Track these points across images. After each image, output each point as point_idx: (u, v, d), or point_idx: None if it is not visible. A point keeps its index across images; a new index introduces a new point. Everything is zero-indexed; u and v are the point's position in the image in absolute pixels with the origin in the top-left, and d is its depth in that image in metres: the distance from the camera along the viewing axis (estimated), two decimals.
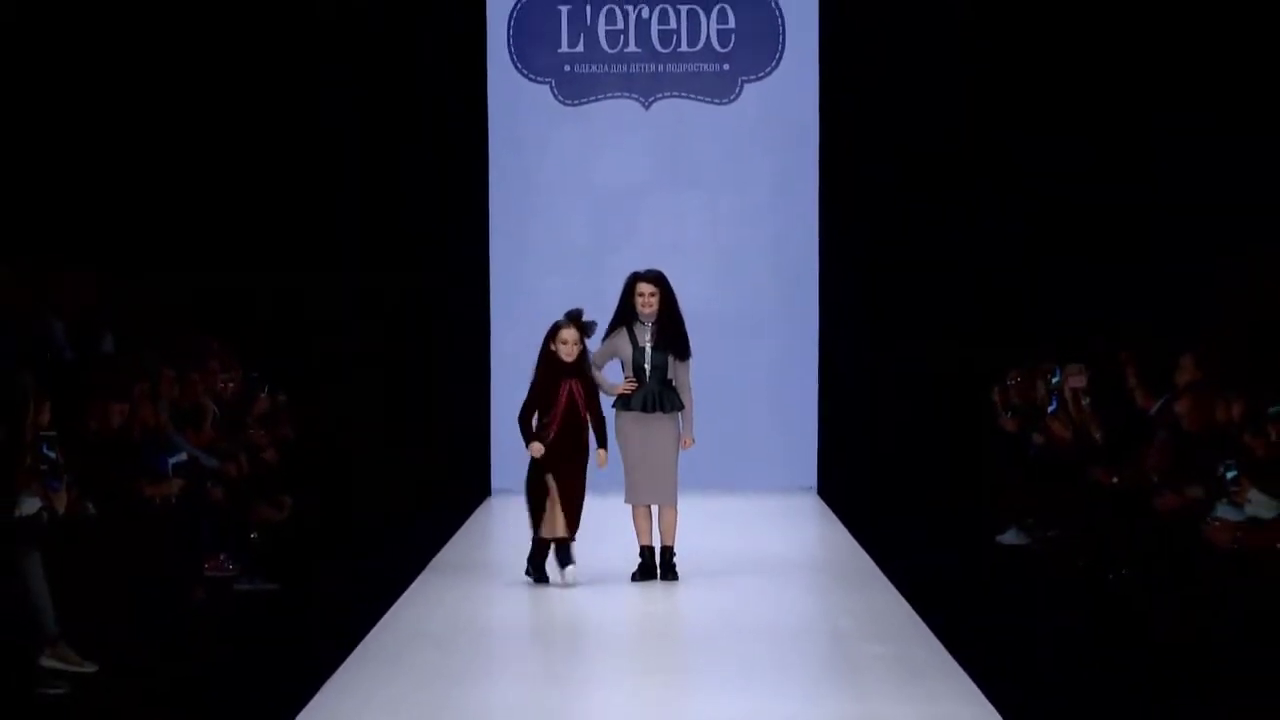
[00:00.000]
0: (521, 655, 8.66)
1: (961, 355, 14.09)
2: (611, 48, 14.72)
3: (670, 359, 10.03)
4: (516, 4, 14.70)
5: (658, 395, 10.00)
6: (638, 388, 9.95)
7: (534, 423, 9.88)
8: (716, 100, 14.74)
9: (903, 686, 7.68)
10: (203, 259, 14.12)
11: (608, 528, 10.22)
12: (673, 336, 10.05)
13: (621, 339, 10.05)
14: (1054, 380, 11.74)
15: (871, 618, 9.24)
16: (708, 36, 14.70)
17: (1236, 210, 13.19)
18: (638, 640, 9.10)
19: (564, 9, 14.71)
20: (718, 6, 14.67)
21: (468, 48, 14.60)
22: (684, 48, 14.71)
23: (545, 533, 9.86)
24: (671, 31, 14.69)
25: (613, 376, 10.16)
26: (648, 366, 10.01)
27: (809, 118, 14.62)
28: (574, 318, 9.89)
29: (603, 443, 9.90)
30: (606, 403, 10.07)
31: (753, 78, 14.72)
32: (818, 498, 14.33)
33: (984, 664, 7.90)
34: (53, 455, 8.77)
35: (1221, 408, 9.60)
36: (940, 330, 14.39)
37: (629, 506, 10.06)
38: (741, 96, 14.73)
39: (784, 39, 14.68)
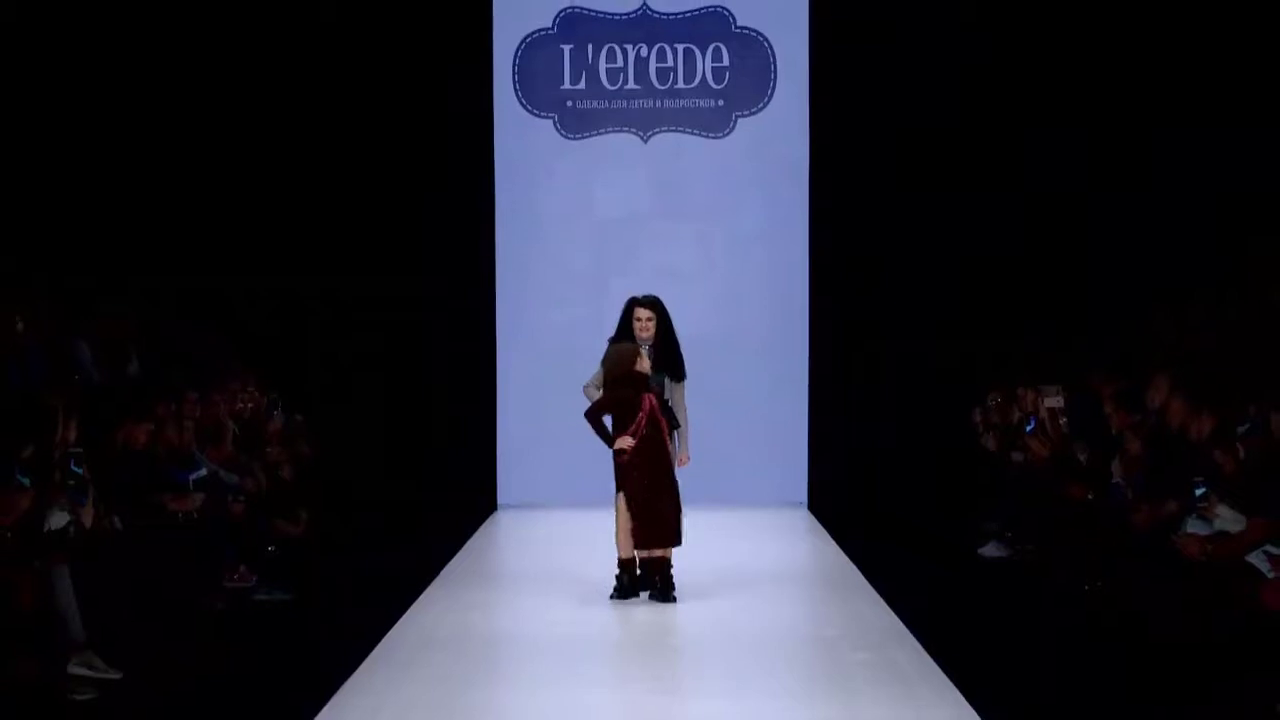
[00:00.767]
0: (526, 661, 8.66)
1: (944, 377, 14.11)
2: (612, 85, 14.76)
3: (666, 380, 10.05)
4: (522, 43, 14.74)
5: None
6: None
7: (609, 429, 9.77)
8: (711, 134, 14.77)
9: (888, 691, 7.70)
10: (225, 285, 14.13)
11: (609, 540, 10.18)
12: (669, 359, 10.05)
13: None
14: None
15: (858, 626, 9.25)
16: (703, 74, 14.74)
17: (1209, 236, 13.21)
18: (636, 648, 9.10)
19: (566, 48, 14.75)
20: (713, 46, 14.71)
21: (476, 84, 14.63)
22: (680, 85, 14.74)
23: (622, 551, 9.81)
24: (669, 69, 14.73)
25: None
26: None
27: (799, 151, 14.65)
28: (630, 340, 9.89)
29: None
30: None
31: (746, 113, 14.76)
32: (808, 513, 14.31)
33: (965, 670, 7.92)
34: (80, 472, 8.79)
35: (1193, 426, 9.63)
36: (924, 353, 14.41)
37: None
38: (735, 131, 14.77)
39: (775, 77, 14.72)
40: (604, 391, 9.82)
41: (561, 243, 14.76)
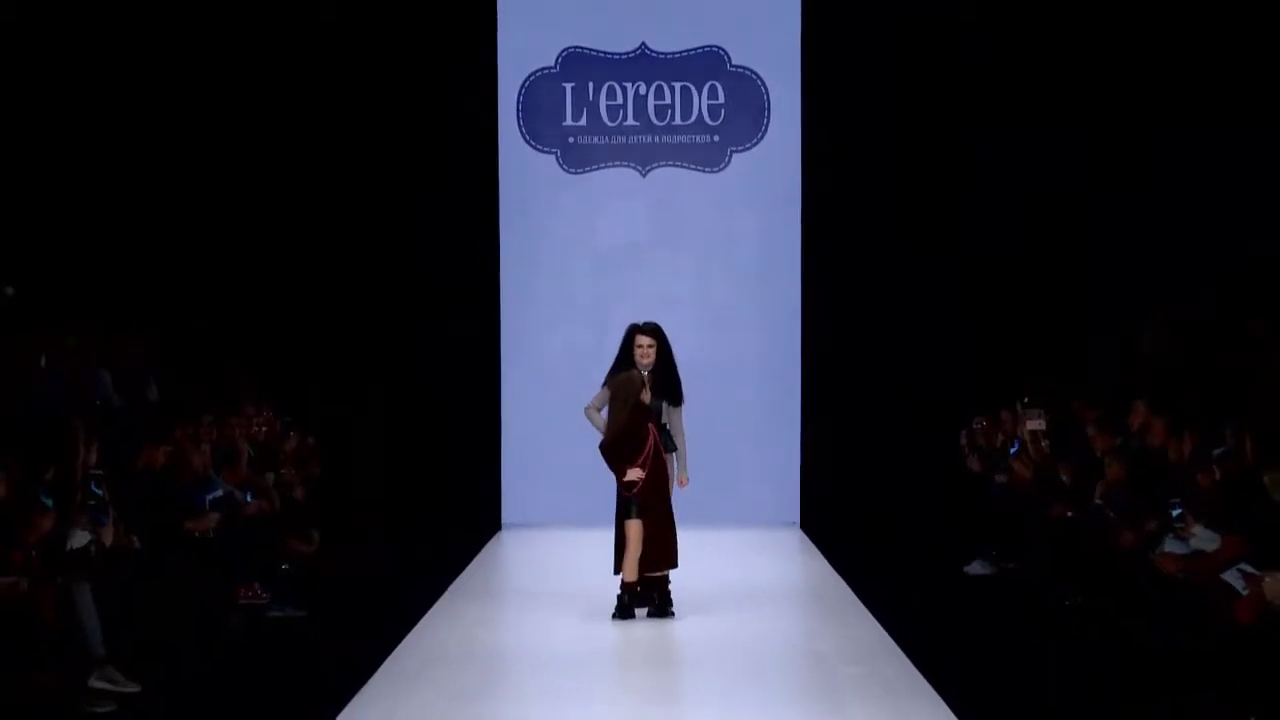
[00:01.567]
0: (529, 675, 8.65)
1: (931, 402, 14.12)
2: (611, 121, 14.79)
3: (665, 405, 10.05)
4: (525, 81, 14.77)
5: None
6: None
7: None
8: (707, 169, 14.80)
9: (878, 704, 7.69)
10: (238, 312, 14.16)
11: (609, 558, 10.17)
12: (668, 384, 10.03)
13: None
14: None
15: (849, 641, 9.24)
16: (699, 111, 14.77)
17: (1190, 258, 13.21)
18: (635, 662, 9.08)
19: (568, 86, 14.79)
20: (708, 84, 14.75)
21: (482, 121, 14.66)
22: (678, 121, 14.77)
23: (629, 575, 9.78)
24: (666, 106, 14.76)
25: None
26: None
27: (792, 185, 14.67)
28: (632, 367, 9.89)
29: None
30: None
31: (740, 148, 14.78)
32: (800, 532, 14.30)
33: (952, 683, 7.91)
34: (100, 493, 8.79)
35: (1171, 449, 9.64)
36: (912, 379, 14.43)
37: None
38: (730, 165, 14.79)
39: (769, 113, 14.74)
40: (611, 421, 9.81)
41: (563, 272, 14.77)
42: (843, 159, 14.52)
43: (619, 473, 9.79)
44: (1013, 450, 11.87)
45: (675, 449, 10.04)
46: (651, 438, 9.75)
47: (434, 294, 14.61)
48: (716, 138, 14.78)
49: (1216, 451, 9.07)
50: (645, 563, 9.78)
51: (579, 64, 14.75)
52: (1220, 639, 7.63)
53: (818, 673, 8.59)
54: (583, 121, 14.77)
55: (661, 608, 9.84)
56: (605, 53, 14.76)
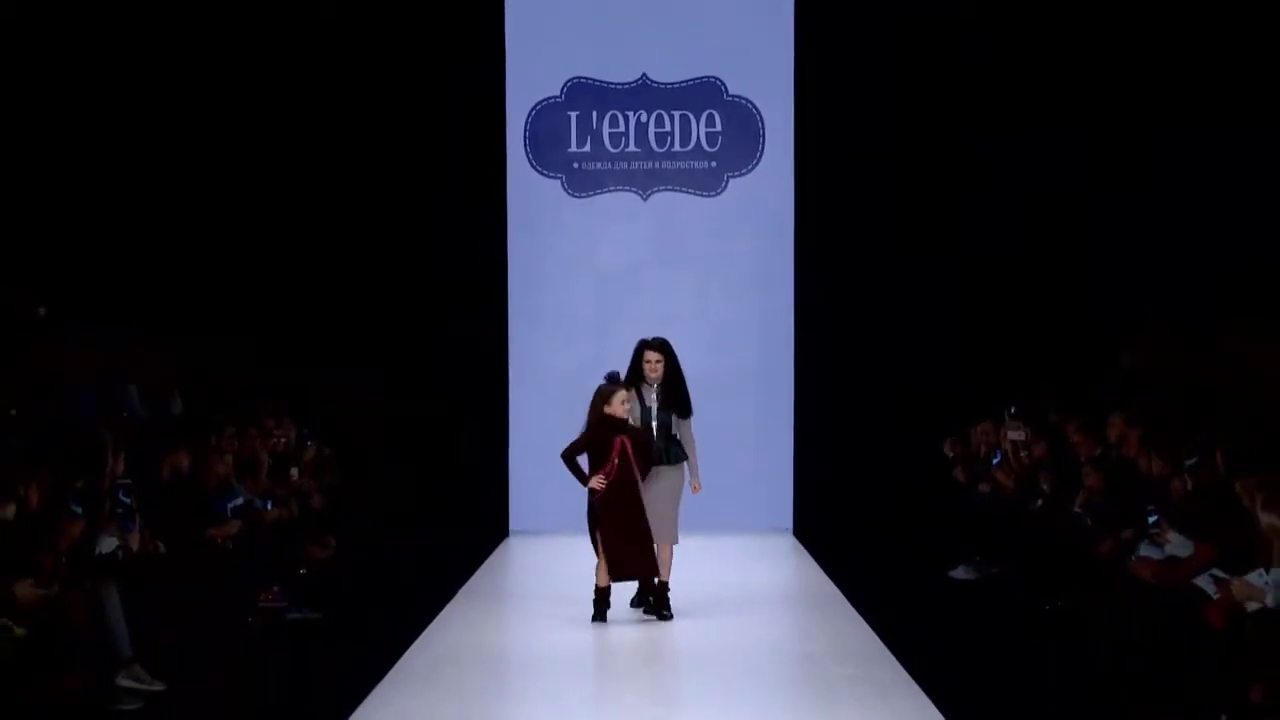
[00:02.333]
0: (534, 676, 8.66)
1: (918, 414, 14.13)
2: (614, 148, 14.81)
3: (674, 417, 10.00)
4: (532, 110, 14.79)
5: (663, 450, 9.94)
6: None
7: (584, 469, 9.70)
8: (705, 193, 14.81)
9: (868, 703, 7.69)
10: (260, 334, 14.17)
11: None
12: (676, 398, 10.00)
13: (633, 399, 9.90)
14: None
15: (840, 643, 9.23)
16: (698, 138, 14.79)
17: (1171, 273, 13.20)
18: (635, 663, 9.08)
19: (573, 114, 14.81)
20: (706, 112, 14.77)
21: (491, 147, 14.69)
22: (677, 148, 14.79)
23: (599, 580, 9.70)
24: (666, 134, 14.78)
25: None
26: (654, 424, 9.95)
27: (785, 207, 14.69)
28: (618, 380, 9.76)
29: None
30: None
31: (737, 173, 14.80)
32: (793, 538, 14.28)
33: (938, 682, 7.92)
34: (128, 501, 8.81)
35: (1144, 461, 9.64)
36: (900, 392, 14.43)
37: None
38: (727, 190, 14.81)
39: (764, 141, 14.77)
40: (582, 433, 9.76)
41: (568, 291, 14.77)
42: (834, 183, 14.53)
43: (580, 479, 9.69)
44: (995, 461, 11.88)
45: (684, 459, 10.00)
46: (617, 449, 9.60)
47: (445, 311, 14.61)
48: (714, 163, 14.80)
49: (1189, 462, 9.08)
50: (615, 570, 9.64)
51: (583, 93, 14.78)
52: (1193, 640, 7.63)
53: (811, 673, 8.58)
54: (587, 148, 14.80)
55: (656, 609, 9.81)
56: (608, 83, 14.79)
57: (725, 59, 14.72)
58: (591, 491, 9.66)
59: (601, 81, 14.78)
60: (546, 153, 14.77)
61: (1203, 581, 7.96)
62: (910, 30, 14.38)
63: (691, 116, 14.76)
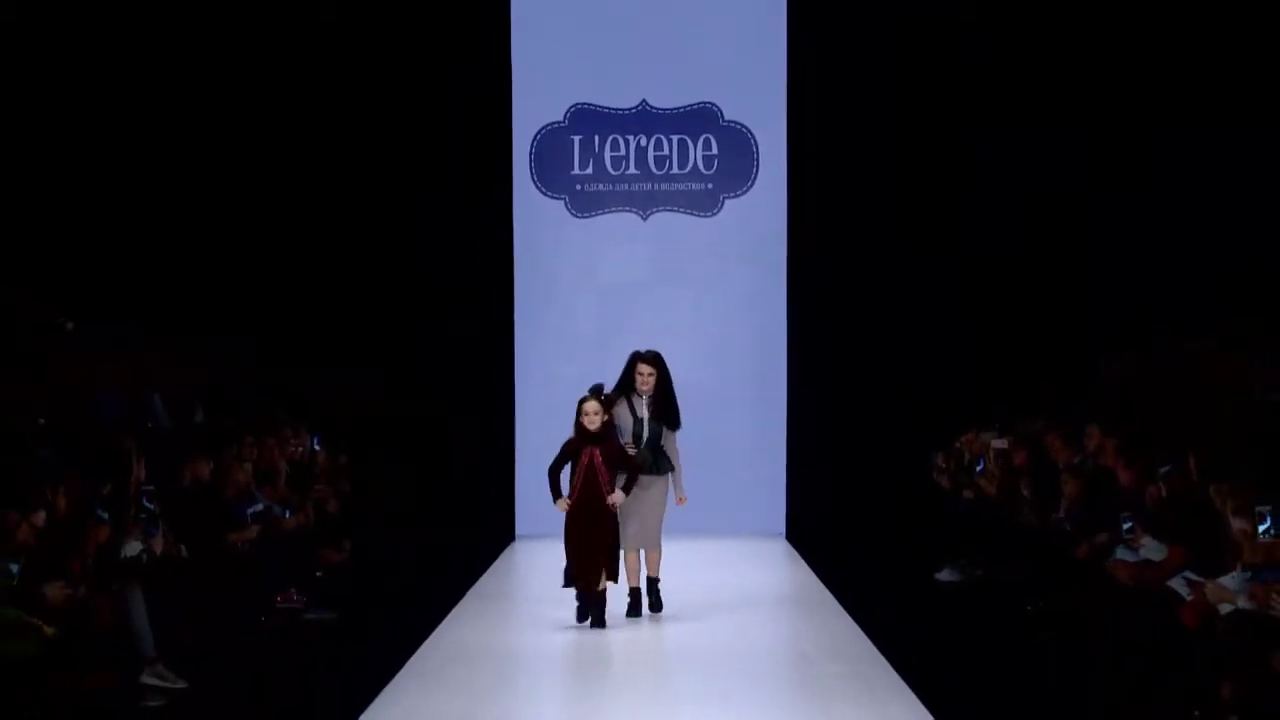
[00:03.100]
0: (540, 674, 8.65)
1: (905, 423, 14.13)
2: (615, 170, 14.83)
3: (663, 429, 9.94)
4: (538, 135, 14.81)
5: (651, 461, 9.83)
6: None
7: (563, 482, 9.66)
8: (702, 213, 14.83)
9: (858, 700, 7.68)
10: (279, 350, 14.18)
11: None
12: (665, 410, 9.91)
13: (623, 410, 9.87)
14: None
15: (831, 642, 9.22)
16: (695, 161, 14.81)
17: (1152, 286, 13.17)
18: (634, 662, 9.07)
19: (576, 139, 14.83)
20: (703, 136, 14.79)
21: (498, 170, 14.72)
22: (675, 170, 14.81)
23: (580, 585, 9.61)
24: (665, 157, 14.80)
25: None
26: (645, 434, 9.86)
27: (779, 227, 14.70)
28: (595, 392, 9.65)
29: (624, 486, 9.56)
30: None
31: (732, 195, 14.82)
32: (786, 542, 14.27)
33: (925, 679, 7.91)
34: (151, 506, 8.80)
35: (1120, 470, 9.64)
36: (888, 402, 14.44)
37: (622, 550, 9.80)
38: (723, 210, 14.82)
39: (758, 164, 14.78)
40: (563, 445, 9.64)
41: (571, 306, 14.78)
42: (824, 203, 14.55)
43: (553, 495, 9.61)
44: (979, 468, 11.88)
45: (671, 469, 9.93)
46: (585, 461, 9.48)
47: (450, 321, 14.63)
48: (710, 185, 14.82)
49: (1163, 469, 9.08)
50: (580, 576, 9.52)
51: (586, 119, 14.80)
52: (1167, 640, 7.63)
53: (803, 672, 8.58)
54: (589, 170, 14.82)
55: (650, 604, 9.80)
56: (609, 109, 14.81)
57: (721, 86, 14.74)
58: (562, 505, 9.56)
59: (603, 107, 14.81)
60: (551, 175, 14.79)
61: (1176, 583, 7.96)
62: (897, 62, 14.41)
63: (689, 141, 14.78)
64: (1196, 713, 7.13)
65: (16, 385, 10.45)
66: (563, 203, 14.84)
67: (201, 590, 8.74)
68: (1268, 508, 7.43)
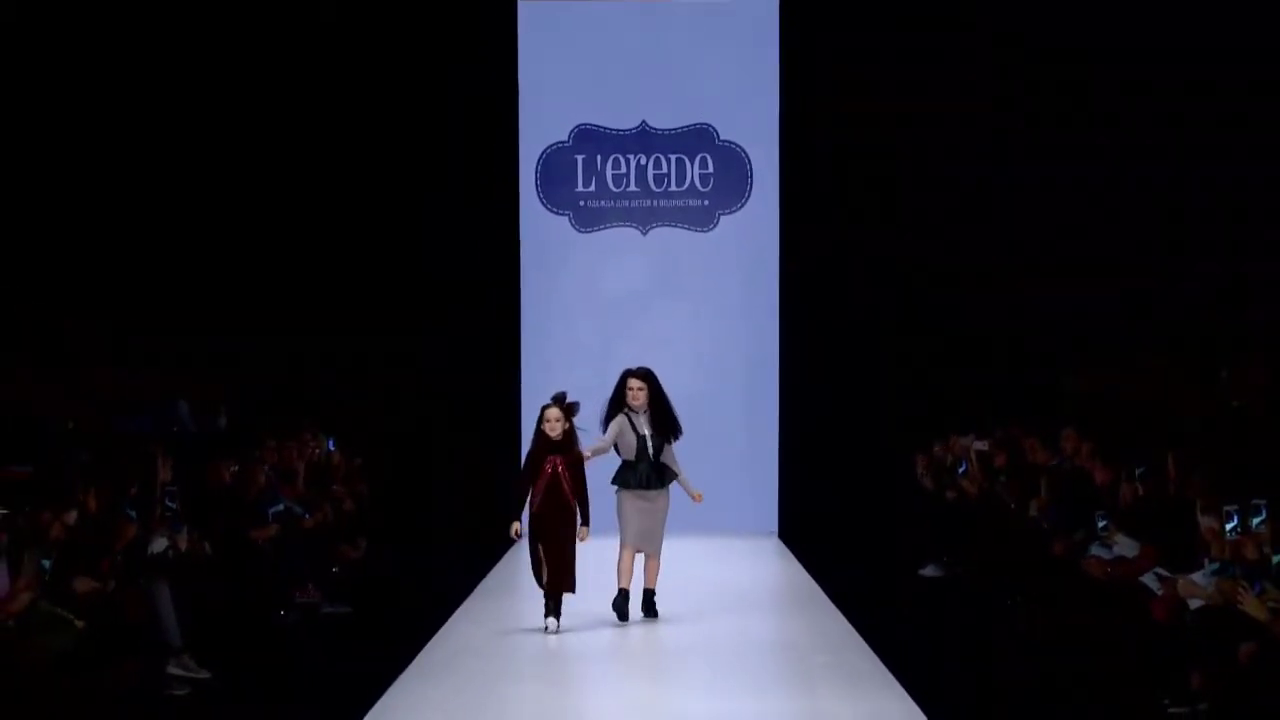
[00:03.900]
0: (544, 664, 8.65)
1: (892, 428, 14.13)
2: (616, 187, 14.84)
3: (665, 443, 9.66)
4: (543, 153, 14.83)
5: (654, 475, 9.61)
6: (634, 470, 9.53)
7: (527, 494, 9.37)
8: (699, 229, 14.84)
9: (844, 688, 7.70)
10: (298, 360, 14.18)
11: (611, 565, 10.13)
12: (663, 422, 9.64)
13: (625, 427, 9.61)
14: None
15: (820, 634, 9.23)
16: (692, 179, 14.82)
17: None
18: (632, 653, 9.06)
19: (579, 158, 14.85)
20: (700, 156, 14.80)
21: (506, 187, 14.74)
22: (673, 188, 14.82)
23: (547, 586, 9.35)
24: (664, 175, 14.82)
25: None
26: (650, 450, 9.63)
27: (771, 242, 14.69)
28: (557, 400, 9.41)
29: (585, 520, 9.18)
30: (602, 478, 9.71)
31: (727, 211, 14.83)
32: (778, 540, 14.27)
33: (909, 670, 7.92)
34: (174, 506, 8.82)
35: (1097, 471, 9.66)
36: (875, 407, 14.44)
37: (617, 547, 9.64)
38: (719, 226, 14.83)
39: (752, 182, 14.80)
40: (526, 455, 9.41)
41: (574, 317, 14.78)
42: (814, 219, 14.56)
43: (515, 508, 9.35)
44: (961, 470, 11.89)
45: (673, 479, 9.69)
46: (547, 473, 9.21)
47: (464, 332, 14.63)
48: (706, 202, 14.83)
49: (1138, 471, 9.09)
50: (548, 581, 9.27)
51: (588, 139, 14.82)
52: (1138, 633, 7.64)
53: (793, 662, 8.60)
54: (592, 188, 14.83)
55: (645, 611, 9.66)
56: (611, 129, 14.83)
57: (717, 108, 14.75)
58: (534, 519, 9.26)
59: (605, 128, 14.83)
60: (555, 192, 14.81)
61: (1148, 579, 7.97)
62: (885, 87, 14.42)
63: (686, 160, 14.80)
64: (1167, 701, 7.13)
65: (51, 390, 10.47)
66: (567, 218, 14.85)
67: (225, 585, 8.75)
68: (1235, 507, 7.44)
